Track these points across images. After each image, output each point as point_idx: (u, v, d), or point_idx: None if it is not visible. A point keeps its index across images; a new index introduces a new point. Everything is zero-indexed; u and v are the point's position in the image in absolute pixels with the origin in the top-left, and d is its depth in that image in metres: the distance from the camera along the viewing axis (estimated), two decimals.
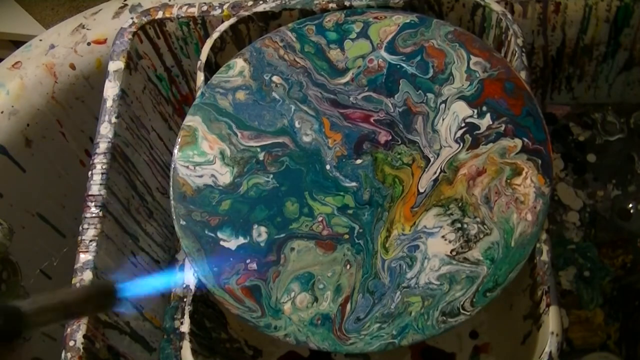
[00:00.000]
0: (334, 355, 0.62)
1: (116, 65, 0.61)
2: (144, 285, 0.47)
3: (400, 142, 0.53)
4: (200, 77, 0.58)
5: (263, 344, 0.62)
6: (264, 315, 0.48)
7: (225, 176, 0.52)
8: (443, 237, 0.49)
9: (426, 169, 0.52)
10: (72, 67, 0.69)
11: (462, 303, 0.47)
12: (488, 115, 0.52)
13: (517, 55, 0.56)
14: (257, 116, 0.54)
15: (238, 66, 0.57)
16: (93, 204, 0.55)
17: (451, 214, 0.50)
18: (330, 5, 0.59)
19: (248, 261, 0.50)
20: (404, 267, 0.49)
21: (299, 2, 0.60)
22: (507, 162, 0.51)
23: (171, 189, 0.52)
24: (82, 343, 0.51)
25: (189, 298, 0.51)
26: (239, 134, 0.54)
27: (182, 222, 0.51)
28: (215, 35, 0.60)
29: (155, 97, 0.66)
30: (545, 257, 0.50)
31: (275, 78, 0.56)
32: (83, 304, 0.33)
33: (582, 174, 0.70)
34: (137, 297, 0.47)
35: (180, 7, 0.63)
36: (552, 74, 0.70)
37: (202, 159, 0.53)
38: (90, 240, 0.54)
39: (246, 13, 0.60)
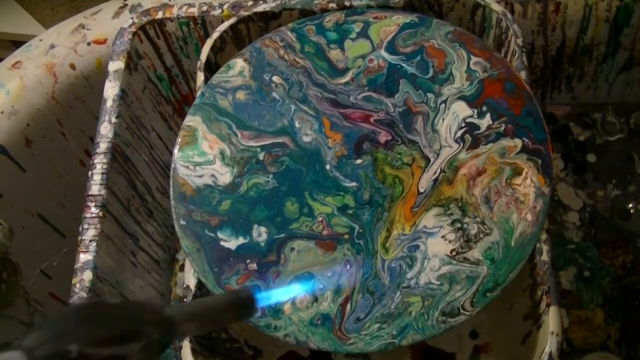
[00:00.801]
0: (334, 355, 0.62)
1: (116, 65, 0.61)
2: (279, 294, 0.47)
3: (400, 142, 0.53)
4: (200, 77, 0.58)
5: (263, 344, 0.62)
6: (264, 315, 0.48)
7: (225, 176, 0.52)
8: (443, 237, 0.49)
9: (426, 169, 0.52)
10: (72, 67, 0.69)
11: (462, 303, 0.47)
12: (488, 115, 0.52)
13: (517, 55, 0.56)
14: (257, 116, 0.54)
15: (238, 66, 0.57)
16: (93, 204, 0.55)
17: (451, 214, 0.50)
18: (330, 5, 0.59)
19: (248, 261, 0.50)
20: (404, 267, 0.49)
21: (299, 2, 0.60)
22: (507, 162, 0.51)
23: (171, 189, 0.52)
24: None
25: (189, 298, 0.51)
26: (239, 134, 0.54)
27: (182, 222, 0.51)
28: (215, 35, 0.60)
29: (155, 97, 0.66)
30: (545, 257, 0.50)
31: (275, 78, 0.56)
32: (224, 312, 0.32)
33: (582, 174, 0.70)
34: (272, 306, 0.48)
35: (180, 7, 0.63)
36: (552, 74, 0.70)
37: (202, 159, 0.53)
38: (90, 240, 0.54)
39: (246, 13, 0.60)
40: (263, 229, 0.51)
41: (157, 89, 0.66)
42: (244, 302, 0.33)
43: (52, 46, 0.70)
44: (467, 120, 0.53)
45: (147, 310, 0.28)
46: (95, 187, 0.56)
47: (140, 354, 0.26)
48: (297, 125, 0.54)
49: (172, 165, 0.53)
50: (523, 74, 0.55)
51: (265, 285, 0.49)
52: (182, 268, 0.67)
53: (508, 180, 0.50)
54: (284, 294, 0.48)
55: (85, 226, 0.55)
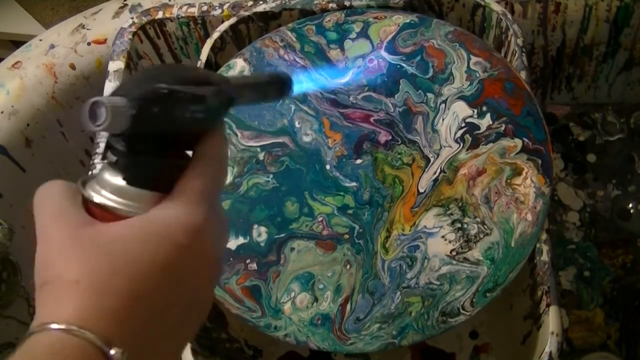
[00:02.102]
0: (334, 355, 0.62)
1: (116, 65, 0.61)
2: (313, 82, 0.48)
3: (400, 142, 0.53)
4: None
5: (263, 344, 0.62)
6: (264, 315, 0.48)
7: None
8: (443, 237, 0.49)
9: (426, 169, 0.52)
10: (72, 67, 0.69)
11: (462, 303, 0.47)
12: (488, 115, 0.52)
13: (517, 55, 0.56)
14: (257, 116, 0.54)
15: (238, 66, 0.57)
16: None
17: (451, 214, 0.50)
18: (330, 5, 0.59)
19: (248, 261, 0.50)
20: (404, 267, 0.49)
21: (299, 2, 0.60)
22: (507, 162, 0.51)
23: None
24: None
25: None
26: (239, 134, 0.54)
27: None
28: (216, 35, 0.60)
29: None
30: (545, 257, 0.50)
31: None
32: (267, 86, 0.35)
33: (582, 174, 0.70)
34: (305, 92, 0.50)
35: (180, 7, 0.63)
36: (552, 74, 0.70)
37: None
38: None
39: (246, 13, 0.60)
40: (263, 229, 0.51)
41: None
42: (283, 81, 0.36)
43: (52, 46, 0.70)
44: (467, 120, 0.52)
45: (212, 73, 0.33)
46: None
47: (214, 97, 0.30)
48: (297, 125, 0.54)
49: None
50: (523, 74, 0.55)
51: (265, 285, 0.49)
52: None
53: (508, 180, 0.50)
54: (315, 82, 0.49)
55: None
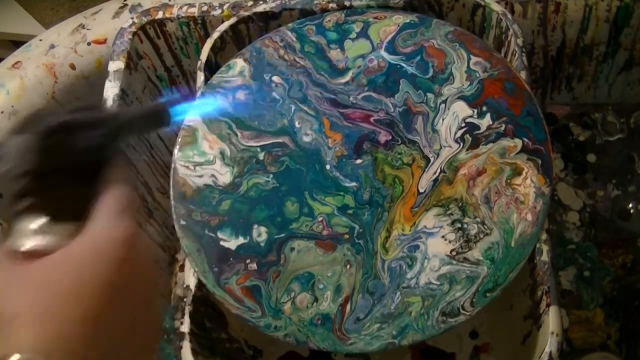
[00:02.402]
0: (334, 355, 0.62)
1: (116, 65, 0.61)
2: (194, 108, 0.48)
3: (400, 142, 0.53)
4: (201, 77, 0.58)
5: (263, 344, 0.62)
6: (264, 315, 0.48)
7: (225, 176, 0.52)
8: (443, 237, 0.49)
9: (426, 169, 0.52)
10: (72, 67, 0.69)
11: (462, 303, 0.47)
12: (488, 115, 0.52)
13: (517, 55, 0.56)
14: (257, 116, 0.54)
15: (238, 66, 0.57)
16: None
17: (451, 214, 0.50)
18: (330, 5, 0.59)
19: (248, 261, 0.50)
20: (404, 267, 0.49)
21: (299, 2, 0.60)
22: (507, 162, 0.51)
23: (171, 189, 0.52)
24: None
25: (189, 298, 0.51)
26: (239, 134, 0.54)
27: (182, 222, 0.51)
28: (216, 35, 0.60)
29: (155, 97, 0.66)
30: (545, 257, 0.50)
31: (275, 78, 0.56)
32: (139, 120, 0.36)
33: (582, 174, 0.70)
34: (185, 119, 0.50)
35: (181, 7, 0.63)
36: (552, 74, 0.70)
37: (202, 159, 0.53)
38: None
39: (246, 13, 0.60)
40: (263, 229, 0.51)
41: (157, 89, 0.66)
42: (159, 112, 0.37)
43: (52, 46, 0.70)
44: (467, 120, 0.53)
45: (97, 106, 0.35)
46: None
47: (108, 122, 0.32)
48: (297, 125, 0.54)
49: (172, 165, 0.53)
50: (523, 74, 0.55)
51: (265, 285, 0.49)
52: (182, 268, 0.67)
53: (508, 180, 0.50)
54: (197, 108, 0.49)
55: None
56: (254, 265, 0.49)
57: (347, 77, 0.55)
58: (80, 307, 0.27)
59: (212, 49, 0.59)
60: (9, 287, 0.27)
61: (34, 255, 0.29)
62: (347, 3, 0.59)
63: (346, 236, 0.50)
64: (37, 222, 0.30)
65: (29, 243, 0.29)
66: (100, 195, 0.31)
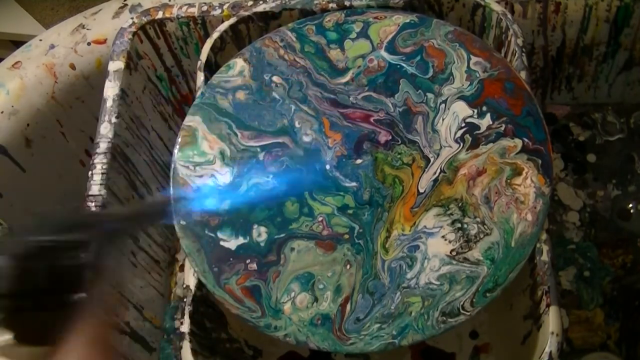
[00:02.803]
0: (334, 355, 0.62)
1: (116, 65, 0.61)
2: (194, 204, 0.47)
3: (400, 142, 0.53)
4: (200, 77, 0.58)
5: (263, 344, 0.62)
6: (264, 315, 0.48)
7: (225, 176, 0.52)
8: (443, 237, 0.49)
9: (426, 169, 0.52)
10: (72, 67, 0.69)
11: (462, 303, 0.47)
12: (488, 115, 0.52)
13: (517, 55, 0.56)
14: (257, 116, 0.54)
15: (238, 66, 0.57)
16: (93, 204, 0.55)
17: (451, 214, 0.50)
18: (330, 5, 0.59)
19: (248, 261, 0.50)
20: (404, 267, 0.49)
21: (299, 2, 0.60)
22: (507, 162, 0.51)
23: (171, 189, 0.52)
24: None
25: (189, 298, 0.51)
26: (239, 134, 0.54)
27: (182, 222, 0.51)
28: (215, 35, 0.60)
29: (155, 97, 0.66)
30: (545, 257, 0.50)
31: (275, 78, 0.56)
32: (146, 215, 0.36)
33: (582, 174, 0.70)
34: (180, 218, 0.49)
35: (180, 7, 0.63)
36: (552, 74, 0.70)
37: (202, 159, 0.53)
38: None
39: (246, 13, 0.60)
40: (263, 229, 0.51)
41: (157, 89, 0.66)
42: (159, 209, 0.37)
43: (52, 46, 0.70)
44: (467, 120, 0.53)
45: (90, 213, 0.34)
46: (95, 187, 0.56)
47: (92, 242, 0.31)
48: (297, 125, 0.54)
49: (172, 165, 0.53)
50: (523, 74, 0.55)
51: (265, 285, 0.49)
52: (182, 268, 0.67)
53: (508, 180, 0.50)
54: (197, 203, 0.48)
55: None
56: (254, 266, 0.49)
57: (347, 77, 0.55)
58: None
59: (212, 49, 0.59)
60: None
61: None
62: (347, 3, 0.59)
63: (346, 236, 0.50)
64: (2, 338, 0.28)
65: None
66: (76, 322, 0.29)
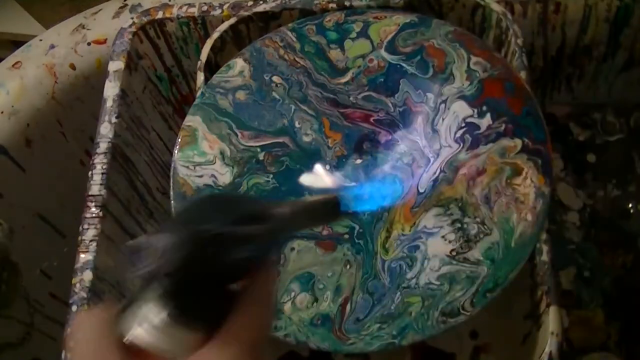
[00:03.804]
0: (334, 355, 0.62)
1: (116, 65, 0.61)
2: (367, 201, 0.46)
3: (400, 142, 0.53)
4: (200, 77, 0.58)
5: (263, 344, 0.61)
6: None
7: (225, 176, 0.52)
8: (443, 237, 0.49)
9: (426, 169, 0.52)
10: (72, 67, 0.69)
11: (462, 303, 0.47)
12: (488, 115, 0.52)
13: (517, 55, 0.56)
14: (257, 116, 0.54)
15: (238, 66, 0.57)
16: (93, 204, 0.55)
17: (451, 214, 0.50)
18: (330, 5, 0.59)
19: None
20: (404, 267, 0.49)
21: (299, 2, 0.60)
22: (507, 162, 0.51)
23: (171, 189, 0.52)
24: None
25: None
26: (239, 134, 0.54)
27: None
28: (215, 35, 0.60)
29: (155, 97, 0.66)
30: (545, 257, 0.50)
31: (275, 78, 0.56)
32: (319, 210, 0.34)
33: (582, 174, 0.70)
34: (359, 212, 0.48)
35: (180, 7, 0.63)
36: (552, 74, 0.70)
37: (202, 159, 0.53)
38: (90, 240, 0.54)
39: (246, 13, 0.60)
40: None
41: (157, 89, 0.66)
42: (334, 202, 0.35)
43: (52, 46, 0.70)
44: (467, 120, 0.52)
45: (267, 204, 0.31)
46: (95, 187, 0.56)
47: (265, 237, 0.29)
48: (297, 125, 0.54)
49: (172, 166, 0.53)
50: (523, 74, 0.55)
51: None
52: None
53: (508, 180, 0.50)
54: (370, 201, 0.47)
55: (85, 226, 0.55)
56: None
57: (347, 77, 0.55)
58: None
59: (212, 49, 0.59)
60: None
61: (143, 350, 0.27)
62: (347, 3, 0.59)
63: (346, 236, 0.50)
64: (158, 315, 0.27)
65: (142, 337, 0.27)
66: (236, 318, 0.28)
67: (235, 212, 0.29)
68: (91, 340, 0.28)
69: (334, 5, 0.59)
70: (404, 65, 0.55)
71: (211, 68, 0.59)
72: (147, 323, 0.27)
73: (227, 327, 0.28)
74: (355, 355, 0.61)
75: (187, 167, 0.53)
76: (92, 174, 0.57)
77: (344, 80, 0.55)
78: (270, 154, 0.53)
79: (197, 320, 0.28)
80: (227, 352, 0.27)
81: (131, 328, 0.27)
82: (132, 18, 0.63)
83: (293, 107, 0.55)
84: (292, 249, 0.50)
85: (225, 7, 0.62)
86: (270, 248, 0.31)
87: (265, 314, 0.30)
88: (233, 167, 0.53)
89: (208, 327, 0.28)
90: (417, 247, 0.49)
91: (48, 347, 0.66)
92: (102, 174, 0.56)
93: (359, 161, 0.52)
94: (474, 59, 0.54)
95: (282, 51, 0.57)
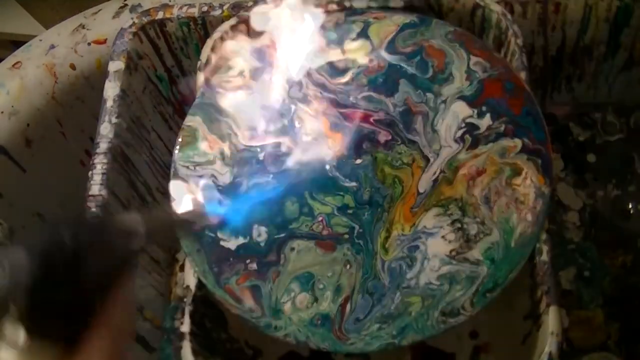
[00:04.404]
0: (334, 355, 0.62)
1: (116, 65, 0.61)
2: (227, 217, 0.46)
3: (400, 142, 0.53)
4: (200, 77, 0.58)
5: (263, 344, 0.62)
6: (264, 315, 0.48)
7: (225, 176, 0.52)
8: (443, 237, 0.49)
9: (426, 169, 0.52)
10: (72, 67, 0.69)
11: (462, 303, 0.47)
12: (488, 115, 0.52)
13: (517, 55, 0.56)
14: (257, 116, 0.54)
15: (238, 66, 0.56)
16: (93, 204, 0.55)
17: (451, 214, 0.50)
18: (330, 5, 0.59)
19: (248, 261, 0.50)
20: (404, 267, 0.49)
21: None
22: (507, 162, 0.51)
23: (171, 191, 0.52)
24: None
25: (189, 298, 0.51)
26: (239, 134, 0.54)
27: None
28: (216, 35, 0.60)
29: (156, 97, 0.66)
30: (545, 257, 0.50)
31: (275, 78, 0.56)
32: (177, 226, 0.35)
33: (582, 174, 0.70)
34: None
35: (181, 8, 0.63)
36: (552, 74, 0.70)
37: (202, 159, 0.53)
38: None
39: (246, 13, 0.60)
40: (263, 229, 0.51)
41: (157, 89, 0.66)
42: (187, 221, 0.36)
43: (52, 46, 0.70)
44: (467, 120, 0.52)
45: (122, 220, 0.32)
46: (95, 187, 0.56)
47: (121, 248, 0.30)
48: (297, 125, 0.54)
49: (173, 166, 0.53)
50: (523, 74, 0.55)
51: (265, 285, 0.49)
52: (182, 268, 0.67)
53: (508, 180, 0.50)
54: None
55: None
56: (254, 265, 0.49)
57: (347, 77, 0.55)
58: None
59: (212, 49, 0.59)
60: None
61: None
62: (347, 3, 0.59)
63: (346, 236, 0.50)
64: (15, 333, 0.27)
65: (6, 358, 0.27)
66: (95, 328, 0.29)
67: (89, 228, 0.29)
68: None
69: (334, 6, 0.59)
70: (403, 65, 0.55)
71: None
72: (10, 344, 0.28)
73: (88, 338, 0.28)
74: (355, 355, 0.61)
75: (187, 167, 0.53)
76: (92, 174, 0.57)
77: (344, 80, 0.55)
78: (270, 154, 0.53)
79: (57, 335, 0.28)
80: None
81: None
82: (132, 18, 0.63)
83: (293, 107, 0.55)
84: (292, 249, 0.50)
85: (225, 7, 0.62)
86: (127, 259, 0.31)
87: (126, 321, 0.30)
88: (233, 167, 0.53)
89: (70, 340, 0.28)
90: (417, 247, 0.49)
91: None
92: (102, 174, 0.56)
93: (358, 161, 0.52)
94: (473, 59, 0.54)
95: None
